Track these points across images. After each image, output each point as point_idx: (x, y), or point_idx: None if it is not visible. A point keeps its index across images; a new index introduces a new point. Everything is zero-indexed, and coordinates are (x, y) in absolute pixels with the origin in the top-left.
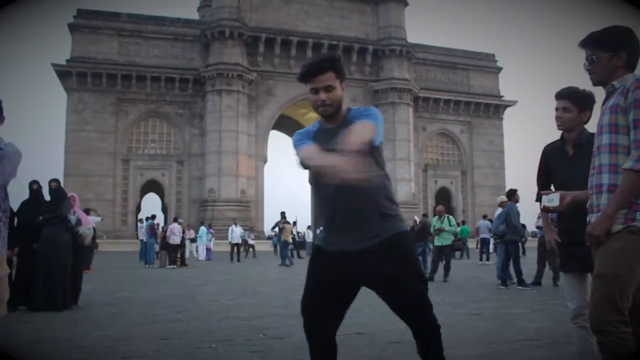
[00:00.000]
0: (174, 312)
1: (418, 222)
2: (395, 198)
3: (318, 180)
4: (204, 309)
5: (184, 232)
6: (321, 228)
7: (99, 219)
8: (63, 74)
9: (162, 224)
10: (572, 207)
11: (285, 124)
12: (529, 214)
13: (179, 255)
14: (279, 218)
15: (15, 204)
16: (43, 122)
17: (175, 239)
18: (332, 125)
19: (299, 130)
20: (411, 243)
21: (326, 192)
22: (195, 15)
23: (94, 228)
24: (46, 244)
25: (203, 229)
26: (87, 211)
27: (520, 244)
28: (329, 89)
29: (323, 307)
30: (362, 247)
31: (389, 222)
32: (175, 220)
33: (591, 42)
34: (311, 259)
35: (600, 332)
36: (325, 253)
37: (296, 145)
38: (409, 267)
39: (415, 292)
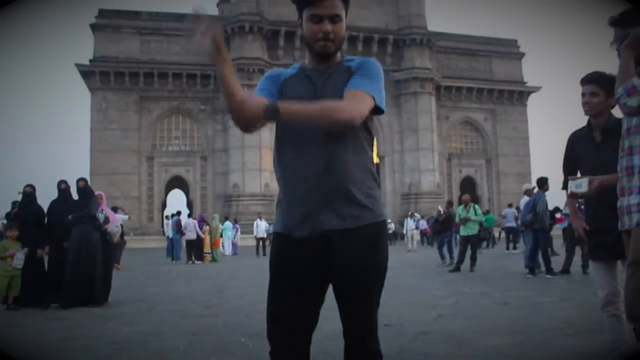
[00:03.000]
0: (203, 307)
1: (442, 212)
2: (420, 188)
3: (287, 137)
4: (232, 303)
5: (202, 227)
6: (283, 207)
7: (126, 217)
8: (86, 73)
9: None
10: (600, 193)
11: None
12: (556, 201)
13: (207, 252)
14: None
15: (44, 204)
16: (68, 122)
17: (190, 235)
18: (323, 65)
19: (269, 73)
20: (386, 238)
21: (300, 153)
22: (215, 11)
23: (121, 225)
24: (76, 242)
25: (228, 223)
26: (114, 209)
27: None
28: (335, 19)
29: (300, 312)
30: (339, 228)
31: (376, 204)
32: (189, 215)
33: (624, 21)
34: (275, 251)
35: (636, 320)
36: (292, 240)
37: (257, 88)
38: (378, 271)
39: (371, 299)
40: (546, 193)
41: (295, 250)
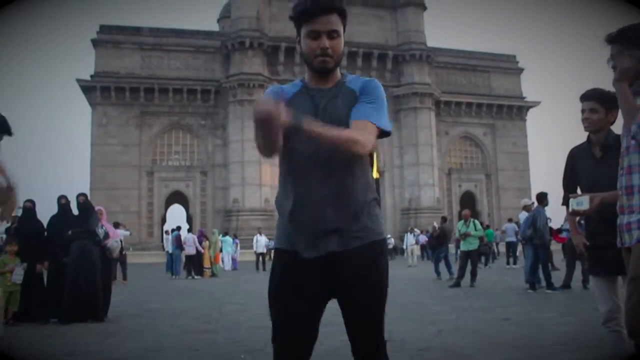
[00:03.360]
0: (203, 323)
1: (437, 228)
2: (419, 203)
3: (294, 159)
4: (232, 319)
5: (201, 242)
6: (285, 221)
7: (127, 233)
8: (87, 88)
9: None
10: (600, 209)
11: None
12: (555, 216)
13: (207, 267)
14: None
15: (44, 219)
16: (69, 137)
17: (189, 250)
18: (325, 85)
19: (271, 88)
20: (387, 255)
21: (308, 176)
22: (216, 27)
23: (121, 241)
24: (75, 257)
25: (228, 238)
26: (116, 225)
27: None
28: (333, 35)
29: (305, 326)
30: (344, 249)
31: (376, 222)
32: (189, 230)
33: (622, 38)
34: (279, 267)
35: (637, 336)
36: (296, 258)
37: None
38: (382, 286)
39: (378, 315)
40: (546, 208)
41: (300, 267)
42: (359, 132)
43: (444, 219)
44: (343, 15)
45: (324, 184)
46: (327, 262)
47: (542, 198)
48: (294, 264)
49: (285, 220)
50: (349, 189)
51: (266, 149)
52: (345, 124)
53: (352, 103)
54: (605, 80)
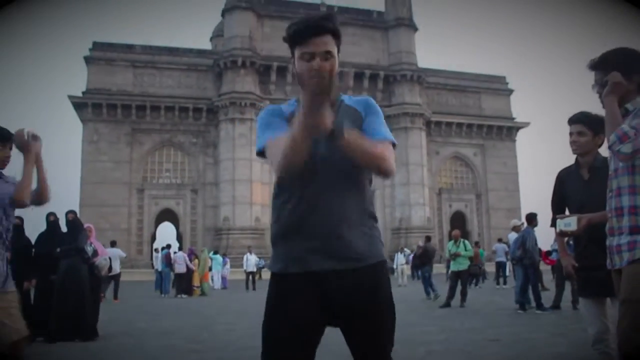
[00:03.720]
0: (191, 343)
1: (420, 247)
2: (410, 222)
3: (290, 181)
4: (221, 339)
5: (191, 260)
6: (279, 243)
7: (124, 255)
8: (79, 105)
9: (177, 252)
10: (589, 230)
11: None
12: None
13: (197, 285)
14: None
15: (32, 236)
16: (59, 153)
17: (179, 268)
18: None
19: (269, 107)
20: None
21: (304, 189)
22: (208, 46)
23: (110, 259)
24: (64, 275)
25: (218, 257)
26: (113, 244)
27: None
28: (327, 56)
29: (301, 355)
30: (343, 268)
31: (374, 244)
32: (179, 249)
33: (603, 65)
34: (275, 294)
35: (629, 358)
36: (294, 279)
37: (263, 126)
38: (389, 309)
39: (382, 339)
40: (535, 229)
41: (296, 292)
42: (388, 151)
43: (427, 239)
44: (337, 36)
45: (334, 198)
46: (323, 285)
47: (532, 219)
48: (289, 290)
49: (287, 236)
50: (358, 206)
51: (298, 156)
52: None
53: (358, 121)
54: (592, 103)
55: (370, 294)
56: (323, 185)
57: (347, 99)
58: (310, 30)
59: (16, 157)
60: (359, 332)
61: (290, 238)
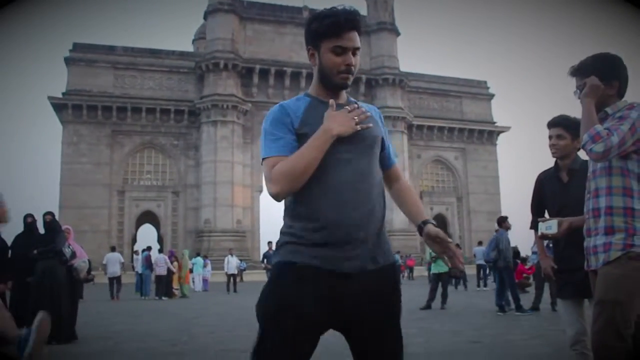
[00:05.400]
0: (170, 345)
1: None
2: (392, 225)
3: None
4: (201, 341)
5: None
6: (295, 231)
7: (122, 260)
8: (59, 106)
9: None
10: (568, 233)
11: None
12: (525, 239)
13: (176, 288)
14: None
15: (9, 237)
16: (39, 154)
17: (160, 270)
18: (338, 102)
19: (275, 111)
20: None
21: (339, 178)
22: (190, 48)
23: (89, 261)
24: (40, 277)
25: (199, 259)
26: (113, 249)
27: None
28: (356, 52)
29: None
30: (364, 269)
31: (388, 244)
32: (160, 251)
33: (583, 71)
34: (285, 284)
35: (602, 358)
36: (310, 273)
37: (268, 135)
38: (396, 312)
39: (397, 348)
40: (511, 232)
41: (312, 288)
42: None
43: None
44: (360, 34)
45: (358, 196)
46: (343, 283)
47: (503, 221)
48: (306, 281)
49: (307, 231)
50: (377, 206)
51: (306, 176)
52: (376, 143)
53: (377, 127)
54: (572, 107)
55: (392, 292)
56: (361, 178)
57: (358, 102)
58: (348, 24)
59: None
60: (376, 333)
61: (319, 233)
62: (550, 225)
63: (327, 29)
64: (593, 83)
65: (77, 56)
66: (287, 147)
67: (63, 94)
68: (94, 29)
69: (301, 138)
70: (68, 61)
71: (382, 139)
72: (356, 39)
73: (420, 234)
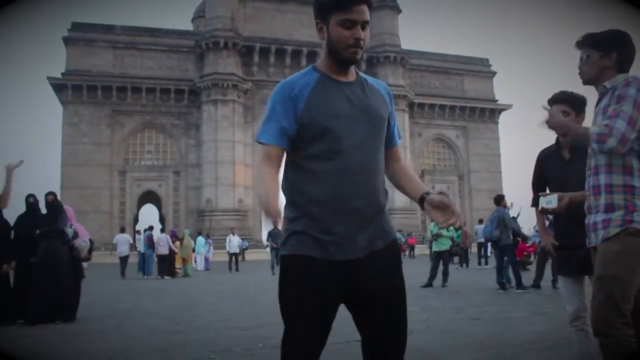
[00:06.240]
0: (173, 324)
1: None
2: (393, 204)
3: (323, 161)
4: (203, 319)
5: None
6: (297, 222)
7: (131, 241)
8: (59, 87)
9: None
10: (569, 209)
11: None
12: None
13: (178, 267)
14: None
15: (11, 218)
16: (39, 135)
17: (162, 250)
18: (347, 78)
19: (280, 89)
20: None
21: (340, 164)
22: (190, 27)
23: (90, 240)
24: (43, 257)
25: (201, 239)
26: (122, 230)
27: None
28: (365, 26)
29: (325, 336)
30: (375, 249)
31: (389, 220)
32: (162, 230)
33: (586, 42)
34: (303, 275)
35: (602, 335)
36: (320, 264)
37: (268, 113)
38: (403, 286)
39: (404, 319)
40: (506, 209)
41: (326, 272)
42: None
43: None
44: (370, 6)
45: (362, 175)
46: (354, 264)
47: (500, 199)
48: (319, 271)
49: (312, 219)
50: (380, 186)
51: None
52: (384, 124)
53: (385, 107)
54: (574, 85)
55: (397, 269)
56: (367, 158)
57: (368, 78)
58: None
59: None
60: (387, 307)
61: (324, 215)
62: (551, 200)
63: (337, 2)
64: (557, 121)
65: (76, 36)
66: (281, 135)
67: (62, 74)
68: (93, 8)
69: (303, 130)
70: (67, 41)
71: (389, 118)
72: (366, 13)
73: (422, 207)
